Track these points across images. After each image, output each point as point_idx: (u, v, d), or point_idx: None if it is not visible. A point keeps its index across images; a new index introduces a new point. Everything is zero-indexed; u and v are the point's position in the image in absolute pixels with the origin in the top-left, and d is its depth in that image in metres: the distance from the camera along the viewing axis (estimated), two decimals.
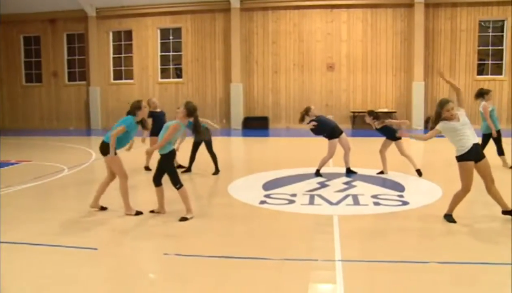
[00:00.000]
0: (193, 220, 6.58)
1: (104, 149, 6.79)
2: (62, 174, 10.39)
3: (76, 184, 9.63)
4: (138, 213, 6.83)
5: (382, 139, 9.89)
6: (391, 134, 9.64)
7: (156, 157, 7.02)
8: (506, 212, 6.40)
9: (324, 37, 21.60)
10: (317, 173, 9.71)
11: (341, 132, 9.88)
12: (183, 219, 6.53)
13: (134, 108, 6.87)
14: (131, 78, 23.11)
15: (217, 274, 4.72)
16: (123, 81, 23.33)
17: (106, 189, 7.06)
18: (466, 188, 6.23)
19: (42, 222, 6.53)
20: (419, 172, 9.58)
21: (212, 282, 4.53)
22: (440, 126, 6.28)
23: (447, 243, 5.68)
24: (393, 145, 9.75)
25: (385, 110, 21.04)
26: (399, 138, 9.59)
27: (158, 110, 10.79)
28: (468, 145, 6.14)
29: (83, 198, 7.52)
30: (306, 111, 9.98)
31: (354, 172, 9.92)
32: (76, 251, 5.33)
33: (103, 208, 7.06)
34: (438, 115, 6.33)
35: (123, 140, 6.85)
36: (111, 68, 23.35)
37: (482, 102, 10.48)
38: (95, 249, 5.38)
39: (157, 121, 10.18)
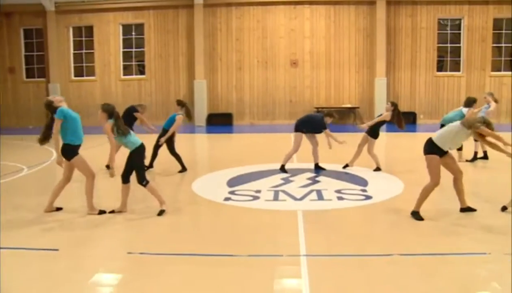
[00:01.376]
0: (157, 218, 6.52)
1: (67, 152, 6.63)
2: (22, 174, 10.11)
3: (36, 184, 9.37)
4: (101, 212, 6.71)
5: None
6: (375, 132, 9.89)
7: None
8: (463, 209, 6.62)
9: (288, 34, 21.67)
10: (282, 169, 9.73)
11: None
12: (161, 212, 6.58)
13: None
14: (93, 75, 22.63)
15: (182, 272, 4.68)
16: (85, 77, 22.81)
17: (60, 192, 6.91)
18: (435, 181, 6.33)
19: (1, 223, 6.32)
20: (378, 169, 9.83)
21: (177, 280, 4.49)
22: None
23: (410, 235, 5.79)
24: None
25: (348, 106, 21.32)
26: (377, 138, 9.92)
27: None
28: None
29: (44, 198, 7.32)
30: None
31: (323, 168, 9.97)
32: (36, 253, 5.19)
33: (58, 209, 6.91)
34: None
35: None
36: (72, 65, 22.78)
37: (471, 109, 10.50)
38: (56, 250, 5.25)
39: None
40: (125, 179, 6.68)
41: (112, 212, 6.71)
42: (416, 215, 6.41)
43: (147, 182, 6.58)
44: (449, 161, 6.44)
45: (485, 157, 11.01)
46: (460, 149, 10.73)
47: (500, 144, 6.35)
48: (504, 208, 6.70)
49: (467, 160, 10.72)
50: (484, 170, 10.31)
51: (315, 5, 21.49)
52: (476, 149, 10.88)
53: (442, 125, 10.19)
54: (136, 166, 6.60)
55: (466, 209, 6.63)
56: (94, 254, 5.24)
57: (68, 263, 4.94)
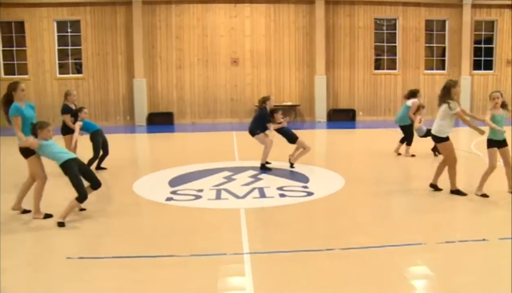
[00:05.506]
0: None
1: (24, 149, 6.35)
2: None
3: None
4: (47, 216, 6.43)
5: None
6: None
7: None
8: (453, 191, 7.32)
9: (228, 32, 21.65)
10: (263, 167, 9.70)
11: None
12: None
13: None
14: (26, 73, 21.64)
15: (123, 275, 4.54)
16: (16, 76, 21.75)
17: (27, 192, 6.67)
18: (454, 161, 7.26)
19: None
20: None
21: (118, 283, 4.35)
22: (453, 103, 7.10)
23: (351, 230, 5.90)
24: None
25: (289, 103, 21.56)
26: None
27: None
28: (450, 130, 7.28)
29: None
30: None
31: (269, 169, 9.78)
32: None
33: (25, 211, 6.63)
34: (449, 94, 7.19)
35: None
36: (1, 62, 21.71)
37: (413, 99, 11.14)
38: None
39: None
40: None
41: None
42: (457, 191, 7.25)
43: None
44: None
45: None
46: (410, 144, 11.21)
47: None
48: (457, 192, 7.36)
49: (413, 155, 11.11)
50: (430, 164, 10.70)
51: (255, 3, 21.59)
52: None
53: (400, 126, 11.39)
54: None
55: (456, 192, 7.31)
56: (30, 261, 5.00)
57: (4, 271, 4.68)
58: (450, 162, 7.33)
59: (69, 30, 21.70)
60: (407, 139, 11.29)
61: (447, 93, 7.15)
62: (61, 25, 21.64)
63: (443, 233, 5.62)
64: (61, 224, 6.08)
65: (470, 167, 9.36)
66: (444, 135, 7.26)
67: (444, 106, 7.16)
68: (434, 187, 7.59)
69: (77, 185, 6.17)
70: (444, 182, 7.51)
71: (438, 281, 4.35)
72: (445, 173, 7.45)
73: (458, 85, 7.26)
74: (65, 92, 10.17)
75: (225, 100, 21.92)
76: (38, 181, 6.46)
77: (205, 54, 21.73)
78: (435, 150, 10.94)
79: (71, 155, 6.36)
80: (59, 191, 7.56)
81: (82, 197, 6.17)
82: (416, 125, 10.59)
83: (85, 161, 6.44)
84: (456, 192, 7.28)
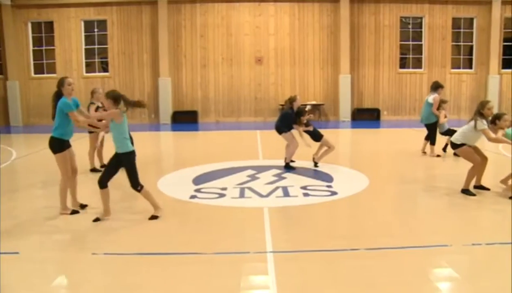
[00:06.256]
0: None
1: (54, 145, 6.51)
2: None
3: None
4: (74, 212, 6.57)
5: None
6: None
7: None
8: (476, 187, 7.61)
9: (252, 31, 21.67)
10: (287, 166, 9.73)
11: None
12: (154, 217, 6.39)
13: None
14: (54, 72, 22.02)
15: (147, 271, 4.61)
16: (45, 75, 22.20)
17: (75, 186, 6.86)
18: (476, 163, 7.43)
19: None
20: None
21: (142, 279, 4.42)
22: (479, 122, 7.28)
23: (375, 230, 5.87)
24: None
25: (313, 102, 21.47)
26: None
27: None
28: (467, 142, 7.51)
29: (6, 200, 7.10)
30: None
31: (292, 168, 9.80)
32: None
33: (83, 206, 6.86)
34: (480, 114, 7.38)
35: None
36: (32, 62, 22.14)
37: (434, 95, 10.99)
38: (17, 253, 5.09)
39: None
40: (104, 183, 6.28)
41: (96, 220, 6.32)
42: (467, 191, 7.37)
43: (142, 186, 6.38)
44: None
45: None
46: (433, 143, 11.10)
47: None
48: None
49: (438, 155, 11.01)
50: (455, 164, 10.56)
51: (279, 2, 21.54)
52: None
53: (426, 125, 11.27)
54: (128, 170, 6.34)
55: (479, 187, 7.67)
56: (56, 256, 5.10)
57: (28, 267, 4.78)
58: (473, 163, 7.46)
59: (96, 30, 22.01)
60: (430, 137, 11.16)
61: (478, 112, 7.37)
62: (88, 25, 21.97)
63: (469, 235, 5.55)
64: (96, 219, 6.26)
65: (497, 169, 9.18)
66: (458, 142, 7.52)
67: (473, 122, 7.35)
68: (480, 188, 7.70)
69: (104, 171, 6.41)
70: (488, 181, 7.75)
71: (464, 284, 4.30)
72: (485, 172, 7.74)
73: (487, 107, 7.34)
74: (92, 90, 10.36)
75: (249, 99, 21.96)
76: (62, 178, 6.58)
77: (229, 52, 21.80)
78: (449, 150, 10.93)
79: (124, 148, 6.30)
80: (87, 187, 7.69)
81: (99, 183, 6.25)
82: (442, 120, 10.48)
83: (108, 159, 6.48)
84: (465, 191, 7.40)
